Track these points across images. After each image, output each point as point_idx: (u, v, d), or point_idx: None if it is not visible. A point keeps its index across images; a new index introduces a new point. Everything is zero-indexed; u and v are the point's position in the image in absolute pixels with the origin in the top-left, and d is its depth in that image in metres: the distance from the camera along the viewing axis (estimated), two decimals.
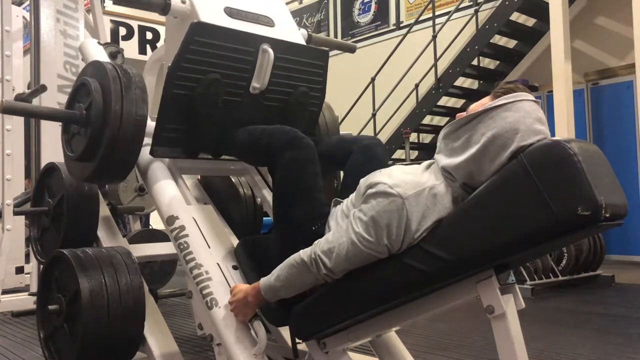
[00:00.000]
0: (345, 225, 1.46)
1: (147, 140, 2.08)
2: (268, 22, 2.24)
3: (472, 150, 1.35)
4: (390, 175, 1.42)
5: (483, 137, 1.33)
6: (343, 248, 1.43)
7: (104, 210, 2.45)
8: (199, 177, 2.79)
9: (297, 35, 2.32)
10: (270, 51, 2.10)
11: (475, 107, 1.40)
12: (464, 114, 1.41)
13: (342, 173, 2.06)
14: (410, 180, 1.40)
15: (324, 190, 1.86)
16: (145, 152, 2.12)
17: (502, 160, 1.32)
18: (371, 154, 1.95)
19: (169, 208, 2.00)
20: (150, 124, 2.09)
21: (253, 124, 2.11)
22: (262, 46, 2.11)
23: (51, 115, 2.18)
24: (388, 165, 1.82)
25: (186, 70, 2.02)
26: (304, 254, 1.53)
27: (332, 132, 2.57)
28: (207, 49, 2.01)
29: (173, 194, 2.05)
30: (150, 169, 2.14)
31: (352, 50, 2.96)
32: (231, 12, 2.15)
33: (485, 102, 1.39)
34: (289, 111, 2.26)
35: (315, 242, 1.53)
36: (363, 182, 1.49)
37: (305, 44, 2.33)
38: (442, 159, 1.43)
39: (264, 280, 1.63)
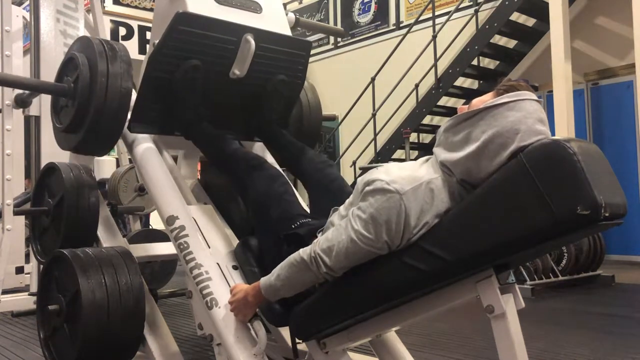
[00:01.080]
0: (344, 224, 1.46)
1: None
2: (255, 9, 2.28)
3: (472, 147, 1.35)
4: (387, 172, 1.42)
5: (483, 134, 1.33)
6: (342, 246, 1.44)
7: (104, 210, 2.46)
8: (199, 177, 2.79)
9: (283, 22, 2.38)
10: (252, 42, 2.15)
11: (478, 102, 1.40)
12: (466, 107, 1.41)
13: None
14: (407, 176, 1.40)
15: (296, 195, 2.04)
16: None
17: (501, 160, 1.31)
18: (327, 173, 2.10)
19: (169, 208, 2.00)
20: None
21: (230, 109, 2.30)
22: (245, 36, 2.15)
23: (41, 88, 2.31)
24: (342, 181, 2.07)
25: (167, 56, 2.08)
26: (303, 252, 1.53)
27: (314, 112, 2.68)
28: (190, 37, 2.07)
29: (173, 194, 2.05)
30: (136, 141, 2.21)
31: (340, 34, 3.02)
32: None
33: (487, 99, 1.38)
34: (266, 98, 2.34)
35: (315, 240, 1.53)
36: (360, 180, 1.49)
37: (290, 32, 2.39)
38: (442, 153, 1.43)
39: (264, 280, 1.63)
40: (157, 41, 2.12)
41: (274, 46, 2.25)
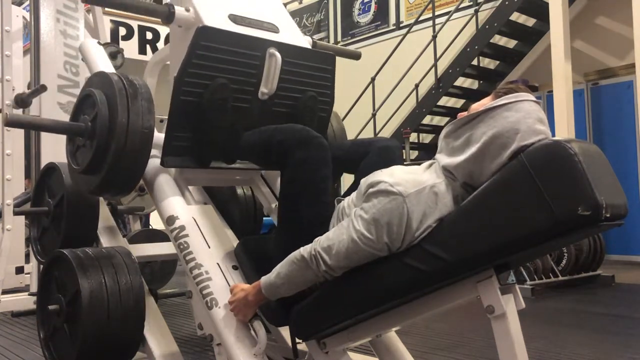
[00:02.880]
0: (346, 223, 1.47)
1: (154, 151, 2.04)
2: (272, 29, 2.23)
3: (473, 149, 1.36)
4: (391, 175, 1.43)
5: (483, 136, 1.34)
6: (343, 245, 1.44)
7: (104, 210, 2.45)
8: None
9: (302, 41, 2.31)
10: (278, 55, 2.08)
11: (477, 106, 1.41)
12: (465, 113, 1.42)
13: (346, 175, 2.03)
14: (411, 179, 1.41)
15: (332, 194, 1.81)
16: (151, 164, 2.07)
17: (502, 160, 1.32)
18: (388, 157, 1.91)
19: (169, 208, 2.00)
20: (157, 135, 2.05)
21: None
22: (269, 50, 2.08)
23: (56, 128, 2.11)
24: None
25: (193, 76, 1.98)
26: (304, 250, 1.54)
27: (339, 141, 2.54)
28: (214, 53, 1.99)
29: (173, 194, 2.04)
30: (156, 181, 2.09)
31: (357, 57, 2.93)
32: (235, 19, 2.14)
33: (486, 102, 1.39)
34: (298, 117, 2.21)
35: (316, 239, 1.53)
36: (364, 181, 1.49)
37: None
38: (443, 159, 1.44)
39: (264, 278, 1.63)
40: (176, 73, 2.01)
41: (300, 61, 2.18)
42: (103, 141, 1.92)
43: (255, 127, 2.08)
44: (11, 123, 2.00)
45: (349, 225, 1.45)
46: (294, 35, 2.30)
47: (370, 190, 1.42)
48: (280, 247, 1.78)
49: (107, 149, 1.92)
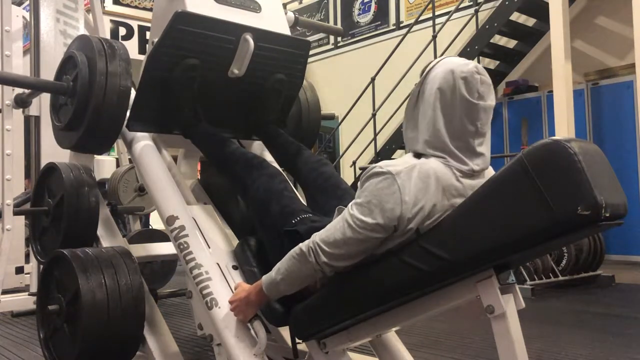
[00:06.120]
0: (343, 213, 1.48)
1: None
2: (254, 8, 2.30)
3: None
4: (383, 163, 1.45)
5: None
6: (340, 232, 1.44)
7: (104, 210, 2.45)
8: (199, 177, 2.79)
9: (282, 21, 2.39)
10: (251, 42, 2.16)
11: None
12: None
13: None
14: (400, 162, 1.44)
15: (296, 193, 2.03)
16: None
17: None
18: (321, 172, 2.10)
19: (169, 208, 2.00)
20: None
21: (229, 108, 2.35)
22: (243, 35, 2.15)
23: (40, 86, 2.35)
24: (337, 178, 2.08)
25: (166, 55, 2.09)
26: (303, 244, 1.53)
27: (313, 111, 2.71)
28: (189, 36, 2.07)
29: (173, 194, 2.05)
30: (135, 140, 2.22)
31: (339, 33, 3.06)
32: None
33: None
34: (265, 97, 2.35)
35: (315, 233, 1.53)
36: (361, 177, 1.51)
37: (289, 31, 2.41)
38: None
39: (265, 277, 1.63)
40: (156, 40, 2.12)
41: (273, 45, 2.26)
42: (83, 99, 2.08)
43: (222, 103, 2.30)
44: None
45: (344, 213, 1.46)
46: (275, 15, 2.37)
47: (363, 177, 1.45)
48: (265, 243, 1.94)
49: (86, 106, 2.08)
